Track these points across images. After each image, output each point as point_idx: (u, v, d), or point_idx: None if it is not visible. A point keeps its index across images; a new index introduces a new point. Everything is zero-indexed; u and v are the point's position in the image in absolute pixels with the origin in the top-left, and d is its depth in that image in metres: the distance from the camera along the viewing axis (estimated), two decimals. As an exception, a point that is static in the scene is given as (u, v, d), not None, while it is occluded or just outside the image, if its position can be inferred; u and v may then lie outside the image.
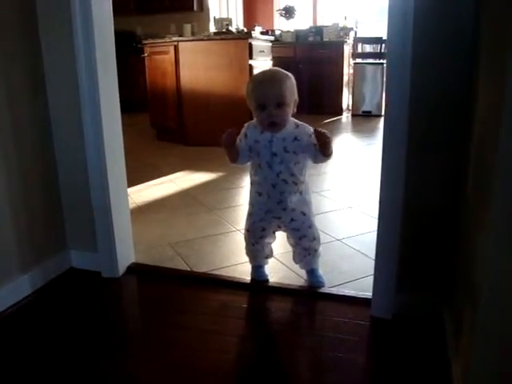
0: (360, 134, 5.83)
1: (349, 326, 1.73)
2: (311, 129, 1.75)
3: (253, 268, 2.08)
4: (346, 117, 7.11)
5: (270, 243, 2.03)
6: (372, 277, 1.80)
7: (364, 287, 1.93)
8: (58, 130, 2.06)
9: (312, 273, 2.02)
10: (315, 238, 1.94)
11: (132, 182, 2.32)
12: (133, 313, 2.02)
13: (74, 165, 2.07)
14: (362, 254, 2.30)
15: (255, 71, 4.57)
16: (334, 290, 1.96)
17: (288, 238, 2.01)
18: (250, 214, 1.94)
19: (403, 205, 1.66)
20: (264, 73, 1.82)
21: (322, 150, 1.70)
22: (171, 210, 3.01)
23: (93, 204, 2.08)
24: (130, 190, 2.29)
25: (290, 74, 1.75)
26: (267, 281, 2.06)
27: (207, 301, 1.95)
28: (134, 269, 2.22)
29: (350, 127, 6.42)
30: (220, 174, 3.86)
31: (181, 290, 2.05)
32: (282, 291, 1.99)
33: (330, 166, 4.00)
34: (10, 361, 1.61)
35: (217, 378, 1.44)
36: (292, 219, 1.87)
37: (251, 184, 1.91)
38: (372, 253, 1.84)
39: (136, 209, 2.99)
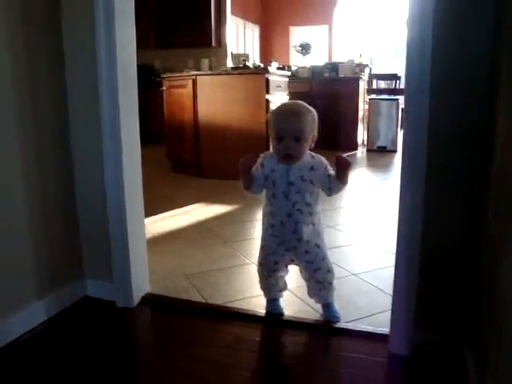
0: (375, 169, 5.84)
1: (365, 362, 1.70)
2: (325, 160, 1.80)
3: (268, 301, 2.05)
4: (360, 152, 7.13)
5: (283, 276, 2.02)
6: (389, 312, 1.77)
7: (381, 323, 1.90)
8: (78, 158, 2.10)
9: (327, 307, 1.99)
10: (329, 271, 1.92)
11: (148, 213, 2.33)
12: (146, 343, 2.01)
13: (93, 195, 2.10)
14: (379, 289, 2.27)
15: (272, 106, 4.63)
16: (350, 325, 1.93)
17: (301, 272, 1.99)
18: (262, 247, 1.93)
19: (422, 240, 1.65)
20: (287, 105, 1.91)
21: (341, 176, 1.71)
22: (186, 242, 3.02)
23: (110, 234, 2.09)
24: (145, 220, 2.30)
25: (311, 109, 1.77)
26: (282, 314, 2.03)
27: (221, 333, 1.94)
28: (149, 299, 2.21)
29: (365, 162, 6.44)
30: (235, 206, 3.88)
31: (195, 321, 2.04)
32: (296, 325, 1.97)
33: (345, 201, 4.00)
34: (23, 389, 1.60)
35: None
36: (306, 251, 1.86)
37: (264, 216, 1.91)
38: (389, 288, 1.82)
39: (151, 239, 2.99)
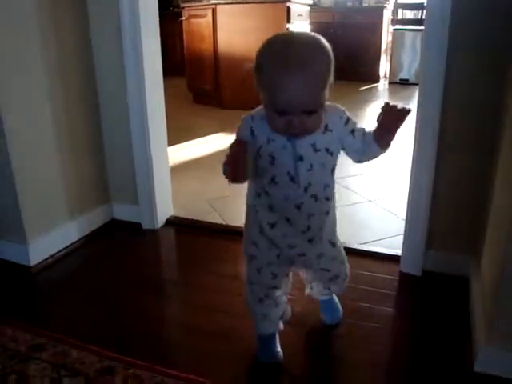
0: (396, 101, 5.75)
1: (378, 280, 1.80)
2: (342, 108, 1.18)
3: (261, 341, 1.43)
4: (382, 84, 7.01)
5: (284, 294, 1.42)
6: (401, 236, 1.86)
7: (393, 245, 1.99)
8: (102, 85, 2.15)
9: (327, 303, 1.58)
10: (347, 276, 1.48)
11: (170, 142, 2.40)
12: (170, 260, 2.14)
13: (118, 121, 2.17)
14: (393, 213, 2.35)
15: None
16: (365, 247, 2.02)
17: (304, 274, 1.50)
18: (251, 259, 1.33)
19: (436, 164, 1.69)
20: (286, 46, 1.04)
21: (383, 135, 1.12)
22: (208, 169, 3.10)
23: (135, 160, 2.18)
24: (168, 149, 2.38)
25: (324, 44, 1.05)
26: (279, 362, 1.41)
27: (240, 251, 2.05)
28: (172, 221, 2.33)
29: (386, 94, 6.35)
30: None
31: (216, 241, 2.15)
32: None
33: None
34: (62, 300, 1.75)
35: (246, 318, 1.53)
36: (319, 255, 1.33)
37: (251, 209, 1.28)
38: (402, 213, 1.89)
39: (174, 167, 3.07)
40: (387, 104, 1.07)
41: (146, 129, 2.12)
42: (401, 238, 1.87)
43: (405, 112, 1.05)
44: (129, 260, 2.01)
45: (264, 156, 1.15)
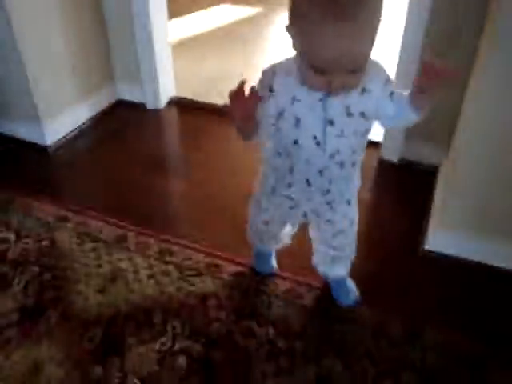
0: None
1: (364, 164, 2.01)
2: (383, 67, 1.00)
3: (257, 255, 1.50)
4: None
5: (287, 235, 1.42)
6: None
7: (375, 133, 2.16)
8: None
9: (338, 285, 1.44)
10: (353, 241, 1.33)
11: (171, 15, 2.43)
12: (171, 138, 2.36)
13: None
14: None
15: None
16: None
17: (311, 228, 1.35)
18: (261, 210, 1.28)
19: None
20: None
21: (420, 99, 0.96)
22: (210, 47, 3.15)
23: (136, 38, 2.25)
24: (169, 23, 2.41)
25: None
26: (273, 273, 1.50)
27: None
28: (175, 101, 2.49)
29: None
30: (259, 9, 3.87)
31: (217, 120, 2.29)
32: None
33: None
34: (77, 176, 1.99)
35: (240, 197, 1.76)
36: (331, 208, 1.21)
37: (268, 167, 1.19)
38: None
39: (176, 44, 3.13)
40: (426, 62, 0.88)
41: (144, 3, 2.14)
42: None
43: (445, 73, 0.86)
44: (135, 137, 2.22)
45: (287, 118, 1.01)
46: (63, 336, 1.30)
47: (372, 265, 1.53)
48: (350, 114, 0.99)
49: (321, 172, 1.08)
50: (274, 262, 1.50)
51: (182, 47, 3.13)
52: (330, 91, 0.91)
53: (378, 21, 0.84)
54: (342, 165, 1.08)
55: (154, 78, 2.36)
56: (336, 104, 0.97)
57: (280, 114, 1.01)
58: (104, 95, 2.40)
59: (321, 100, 0.96)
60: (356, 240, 1.33)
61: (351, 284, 1.44)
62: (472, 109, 1.38)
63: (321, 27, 0.80)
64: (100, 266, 1.51)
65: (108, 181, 1.94)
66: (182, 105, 2.48)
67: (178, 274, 1.48)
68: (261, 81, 1.01)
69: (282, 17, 3.46)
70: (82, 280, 1.46)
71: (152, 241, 1.59)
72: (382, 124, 1.09)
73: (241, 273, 1.50)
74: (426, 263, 1.55)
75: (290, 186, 1.15)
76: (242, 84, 0.90)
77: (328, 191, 1.13)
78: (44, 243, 1.59)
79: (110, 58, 2.38)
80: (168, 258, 1.53)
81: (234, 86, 0.90)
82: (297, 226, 1.38)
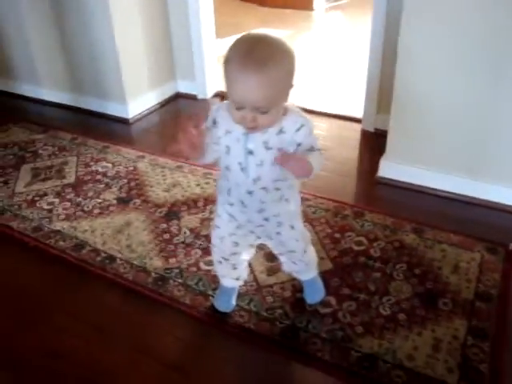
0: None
1: (352, 134, 2.83)
2: (306, 121, 1.21)
3: (220, 289, 1.67)
4: None
5: (246, 260, 1.60)
6: (363, 105, 2.83)
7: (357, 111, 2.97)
8: (171, -3, 3.13)
9: (306, 284, 1.66)
10: (305, 251, 1.53)
11: (216, 36, 3.35)
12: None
13: (178, 19, 3.13)
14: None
15: None
16: (334, 112, 3.03)
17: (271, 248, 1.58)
18: (215, 228, 1.48)
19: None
20: (251, 46, 1.08)
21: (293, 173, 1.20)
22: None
23: (192, 47, 3.20)
24: (216, 41, 3.35)
25: (288, 51, 1.11)
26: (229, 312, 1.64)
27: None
28: (219, 94, 3.39)
29: None
30: (291, 31, 4.74)
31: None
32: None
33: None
34: (150, 140, 2.90)
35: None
36: (278, 233, 1.42)
37: (218, 187, 1.42)
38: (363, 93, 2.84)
39: (220, 57, 4.02)
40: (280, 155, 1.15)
41: (198, 23, 3.08)
42: (362, 107, 2.86)
43: (296, 159, 1.15)
44: (187, 117, 3.12)
45: (221, 145, 1.24)
46: (145, 209, 2.18)
47: (341, 184, 2.35)
48: (268, 148, 1.20)
49: (250, 193, 1.29)
50: (234, 301, 1.64)
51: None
52: (244, 125, 1.14)
53: (288, 78, 1.12)
54: (265, 189, 1.28)
55: (204, 76, 3.27)
56: (256, 138, 1.19)
57: (218, 143, 1.24)
58: (167, 88, 3.33)
59: (244, 134, 1.19)
60: (313, 251, 1.60)
61: (320, 284, 1.67)
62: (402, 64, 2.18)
63: (236, 73, 1.06)
64: (165, 180, 2.39)
65: (167, 138, 2.82)
66: (223, 96, 3.35)
67: (215, 183, 2.33)
68: (210, 114, 1.26)
69: (305, 37, 4.32)
70: (154, 185, 2.34)
71: (199, 168, 2.46)
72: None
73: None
74: (378, 183, 2.36)
75: (231, 205, 1.36)
76: (192, 125, 1.17)
77: (262, 210, 1.33)
78: (130, 169, 2.49)
79: (172, 59, 3.32)
80: (209, 176, 2.39)
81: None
82: (253, 251, 1.59)
